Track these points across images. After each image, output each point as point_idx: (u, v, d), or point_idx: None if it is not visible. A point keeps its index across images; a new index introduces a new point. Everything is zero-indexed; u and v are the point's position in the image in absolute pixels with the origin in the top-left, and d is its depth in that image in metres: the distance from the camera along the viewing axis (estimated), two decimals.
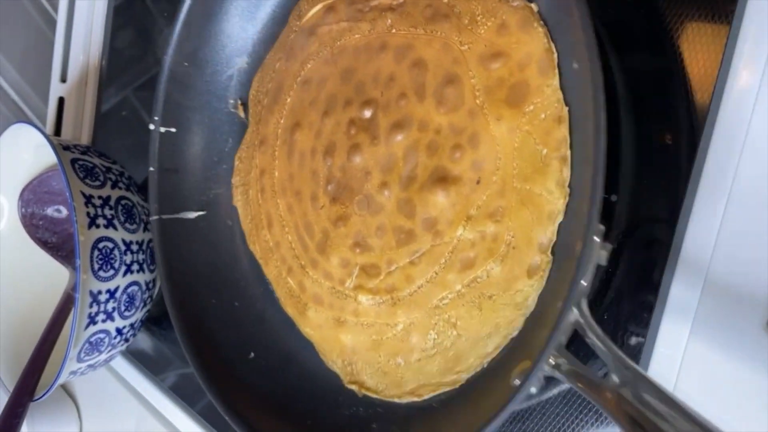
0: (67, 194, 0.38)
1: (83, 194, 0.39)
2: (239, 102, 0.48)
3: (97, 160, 0.43)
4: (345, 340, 0.38)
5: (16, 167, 0.45)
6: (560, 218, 0.29)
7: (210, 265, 0.46)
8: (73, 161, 0.41)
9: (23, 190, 0.46)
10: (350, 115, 0.39)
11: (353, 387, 0.38)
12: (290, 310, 0.43)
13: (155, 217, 0.44)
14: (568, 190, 0.28)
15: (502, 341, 0.31)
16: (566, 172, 0.29)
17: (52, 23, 0.53)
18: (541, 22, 0.31)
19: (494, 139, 0.32)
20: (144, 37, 0.46)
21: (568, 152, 0.29)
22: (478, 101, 0.33)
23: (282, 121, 0.44)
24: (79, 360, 0.40)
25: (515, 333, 0.30)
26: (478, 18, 0.33)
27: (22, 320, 0.47)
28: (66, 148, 0.42)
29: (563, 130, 0.29)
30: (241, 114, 0.48)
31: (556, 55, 0.30)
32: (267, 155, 0.45)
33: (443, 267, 0.33)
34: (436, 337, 0.33)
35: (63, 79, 0.53)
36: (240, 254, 0.47)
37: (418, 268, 0.34)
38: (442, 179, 0.33)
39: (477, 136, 0.32)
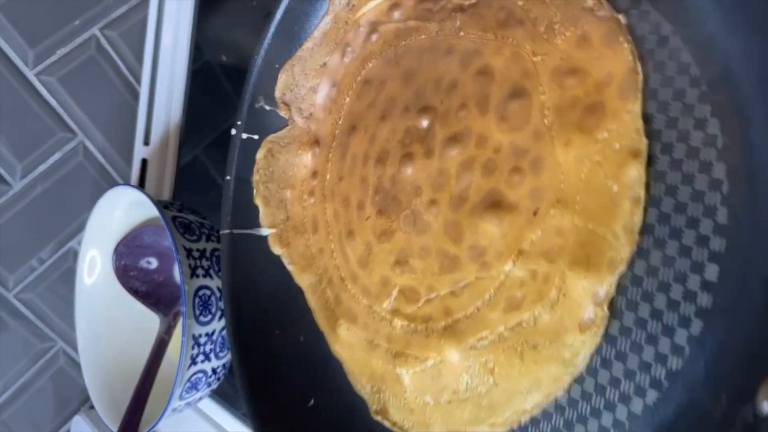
0: (173, 249, 0.42)
1: (185, 248, 0.43)
2: (281, 100, 0.45)
3: (191, 217, 0.47)
4: (375, 364, 0.35)
5: (109, 224, 0.50)
6: (622, 268, 0.24)
7: (278, 291, 0.42)
8: (174, 219, 0.44)
9: (118, 245, 0.50)
10: (407, 123, 0.35)
11: (378, 418, 0.35)
12: (322, 322, 0.40)
13: (226, 231, 0.42)
14: (637, 237, 0.24)
15: (543, 400, 0.27)
16: (637, 217, 0.24)
17: (133, 91, 0.59)
18: (629, 38, 0.27)
19: (559, 166, 0.28)
20: (214, 99, 0.45)
21: (642, 193, 0.24)
22: (546, 121, 0.28)
23: (340, 122, 0.42)
24: (181, 398, 0.43)
25: (559, 393, 0.26)
26: (556, 26, 0.29)
27: (115, 364, 0.51)
28: (166, 207, 0.45)
29: (638, 167, 0.25)
30: (284, 112, 0.45)
31: (641, 76, 0.26)
32: (321, 156, 0.43)
33: (486, 304, 0.29)
34: (469, 380, 0.30)
35: (146, 142, 0.57)
36: None
37: (458, 301, 0.30)
38: (496, 205, 0.29)
39: (540, 161, 0.28)
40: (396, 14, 0.38)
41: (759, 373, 0.21)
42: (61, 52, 0.53)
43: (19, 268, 0.56)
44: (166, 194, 0.57)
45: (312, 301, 0.41)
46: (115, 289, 0.50)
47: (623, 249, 0.25)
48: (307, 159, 0.44)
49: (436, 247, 0.32)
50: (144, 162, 0.58)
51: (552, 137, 0.28)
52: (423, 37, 0.36)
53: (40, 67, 0.53)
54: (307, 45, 0.43)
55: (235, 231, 0.42)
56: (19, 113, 0.52)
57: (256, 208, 0.43)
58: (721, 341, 0.23)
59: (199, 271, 0.43)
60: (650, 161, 0.25)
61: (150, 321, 0.50)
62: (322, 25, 0.42)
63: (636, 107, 0.25)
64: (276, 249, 0.43)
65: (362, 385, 0.37)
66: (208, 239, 0.45)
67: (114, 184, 0.55)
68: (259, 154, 0.43)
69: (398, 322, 0.34)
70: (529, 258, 0.28)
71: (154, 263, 0.51)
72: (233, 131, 0.42)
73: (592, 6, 0.28)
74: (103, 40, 0.56)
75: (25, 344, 0.57)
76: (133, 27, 0.58)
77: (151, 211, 0.46)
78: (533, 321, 0.27)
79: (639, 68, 0.26)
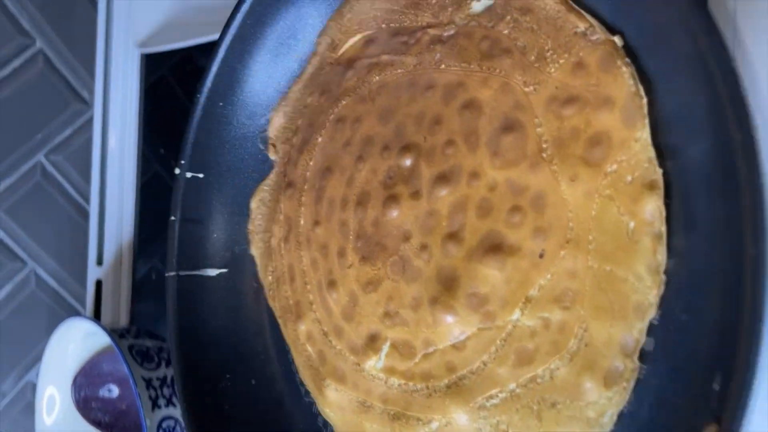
0: (131, 383, 0.40)
1: (144, 379, 0.42)
2: (270, 141, 0.43)
3: (149, 342, 0.46)
4: (371, 429, 0.32)
5: (64, 359, 0.48)
6: (652, 313, 0.22)
7: (228, 333, 0.40)
8: (130, 347, 0.43)
9: (76, 376, 0.48)
10: (388, 163, 0.33)
11: None
12: (308, 382, 0.37)
13: (172, 273, 0.39)
14: (664, 277, 0.22)
15: None
16: (661, 255, 0.22)
17: (82, 211, 0.59)
18: (627, 60, 0.25)
19: (565, 203, 0.25)
20: (166, 207, 0.43)
21: (664, 228, 0.22)
22: (545, 155, 0.26)
23: (311, 163, 0.39)
24: None
25: None
26: (548, 54, 0.27)
27: None
28: (121, 335, 0.44)
29: (656, 199, 0.23)
30: (273, 155, 0.43)
31: (645, 101, 0.24)
32: (293, 201, 0.40)
33: (493, 358, 0.27)
34: None
35: (99, 262, 0.57)
36: (264, 322, 0.41)
37: (461, 355, 0.28)
38: (496, 248, 0.27)
39: (543, 198, 0.26)
40: (370, 49, 0.36)
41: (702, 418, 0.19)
42: (6, 183, 0.53)
43: None
44: (123, 315, 0.55)
45: (296, 358, 0.38)
46: (77, 424, 0.49)
47: (650, 292, 0.23)
48: (282, 204, 0.41)
49: (428, 296, 0.29)
50: (98, 283, 0.56)
51: (554, 172, 0.26)
52: (399, 71, 0.34)
53: None
54: (297, 86, 0.41)
55: (182, 273, 0.39)
56: None
57: (203, 249, 0.40)
58: (664, 385, 0.22)
59: (161, 401, 0.42)
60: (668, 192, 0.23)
61: None
62: (310, 67, 0.40)
63: (645, 134, 0.24)
64: (271, 303, 0.40)
65: None
66: (168, 364, 0.44)
67: (69, 309, 0.57)
68: (253, 204, 0.41)
69: (394, 381, 0.31)
70: (539, 305, 0.25)
71: (115, 391, 0.50)
72: (177, 170, 0.39)
73: (585, 30, 0.26)
74: (48, 166, 0.56)
75: None
76: (79, 148, 0.58)
77: (107, 338, 0.45)
78: (549, 376, 0.25)
79: (642, 91, 0.24)
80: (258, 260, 0.42)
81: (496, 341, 0.27)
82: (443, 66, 0.32)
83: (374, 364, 0.32)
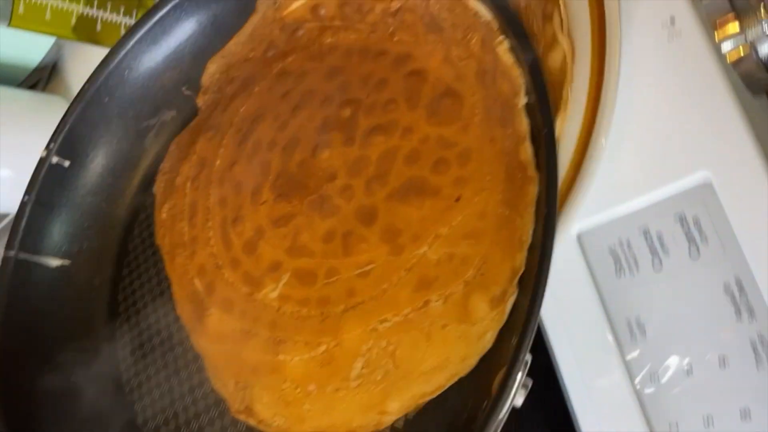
0: None
1: None
2: (202, 89, 0.43)
3: None
4: (247, 356, 0.32)
5: None
6: (527, 243, 0.25)
7: (56, 326, 0.37)
8: None
9: None
10: (326, 113, 0.35)
11: (241, 417, 0.31)
12: (186, 314, 0.36)
13: (11, 253, 0.36)
14: (533, 213, 0.26)
15: (447, 381, 0.26)
16: (532, 195, 0.26)
17: None
18: (500, 38, 0.29)
19: (486, 159, 0.29)
20: None
21: (536, 174, 0.26)
22: (476, 119, 0.30)
23: (242, 109, 0.40)
24: None
25: (464, 373, 0.25)
26: (468, 33, 0.31)
27: None
28: None
29: (527, 146, 0.27)
30: (200, 101, 0.43)
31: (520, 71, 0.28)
32: (213, 142, 0.40)
33: (395, 284, 0.28)
34: (364, 366, 0.28)
35: None
36: (98, 321, 0.39)
37: (365, 282, 0.29)
38: (418, 189, 0.29)
39: (468, 155, 0.29)
40: (322, 12, 0.38)
41: None
42: None
43: None
44: None
45: (177, 291, 0.37)
46: None
47: (527, 227, 0.26)
48: (198, 145, 0.41)
49: (343, 230, 0.31)
50: None
51: (482, 134, 0.29)
52: (353, 36, 0.37)
53: None
54: (236, 40, 0.42)
55: (21, 255, 0.37)
56: None
57: (50, 236, 0.39)
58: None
59: None
60: None
61: None
62: (249, 24, 0.42)
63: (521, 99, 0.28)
64: (159, 241, 0.39)
65: (224, 382, 0.33)
66: None
67: None
68: (173, 145, 0.42)
69: (287, 308, 0.31)
70: (448, 241, 0.28)
71: None
72: (43, 153, 0.38)
73: (476, 9, 0.30)
74: None
75: None
76: None
77: None
78: (443, 300, 0.27)
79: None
80: (158, 198, 0.42)
81: (401, 271, 0.28)
82: (396, 38, 0.35)
83: (269, 292, 0.32)
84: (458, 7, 0.31)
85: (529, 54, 0.26)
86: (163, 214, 0.41)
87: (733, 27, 0.26)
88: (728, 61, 0.26)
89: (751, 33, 0.26)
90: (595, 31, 0.28)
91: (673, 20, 0.28)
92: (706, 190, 0.28)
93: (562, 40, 0.28)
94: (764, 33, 0.25)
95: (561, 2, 0.29)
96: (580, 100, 0.28)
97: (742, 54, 0.26)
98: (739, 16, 0.26)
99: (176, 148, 0.43)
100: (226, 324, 0.33)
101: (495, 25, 0.29)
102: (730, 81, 0.27)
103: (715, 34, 0.26)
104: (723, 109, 0.27)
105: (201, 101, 0.43)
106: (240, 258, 0.35)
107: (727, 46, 0.26)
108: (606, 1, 0.27)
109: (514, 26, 0.28)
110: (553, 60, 0.29)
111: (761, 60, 0.26)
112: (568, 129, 0.28)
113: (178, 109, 0.43)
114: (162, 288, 0.39)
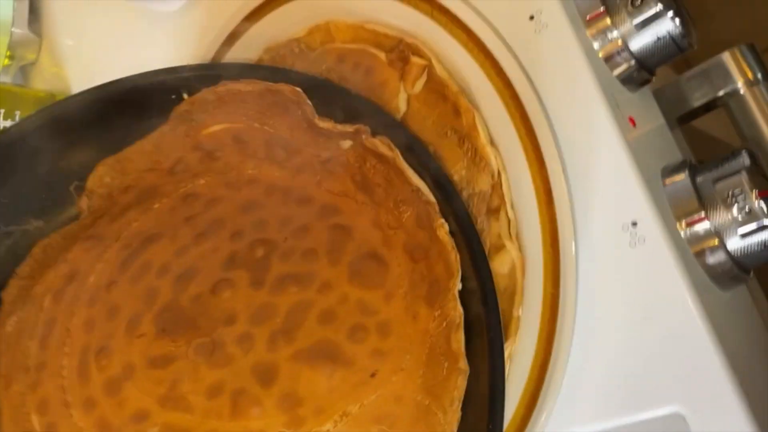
0: None
1: None
2: (87, 191, 0.39)
3: None
4: None
5: None
6: None
7: None
8: None
9: None
10: (235, 247, 0.32)
11: None
12: None
13: None
14: (459, 413, 0.24)
15: None
16: (460, 390, 0.24)
17: None
18: (441, 221, 0.28)
19: (407, 336, 0.27)
20: None
21: (465, 364, 0.24)
22: (401, 291, 0.28)
23: (135, 224, 0.36)
24: None
25: None
26: (400, 204, 0.30)
27: None
28: None
29: (459, 338, 0.25)
30: (83, 204, 0.38)
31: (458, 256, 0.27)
32: (91, 254, 0.35)
33: None
34: None
35: None
36: None
37: None
38: (329, 355, 0.27)
39: (389, 326, 0.27)
40: (244, 140, 0.36)
41: None
42: None
43: None
44: None
45: (7, 426, 0.30)
46: None
47: (450, 427, 0.24)
48: (72, 254, 0.36)
49: (233, 387, 0.27)
50: None
51: (405, 308, 0.28)
52: (277, 174, 0.35)
53: None
54: (138, 147, 0.38)
55: None
56: None
57: None
58: None
59: None
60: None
61: None
62: (158, 133, 0.38)
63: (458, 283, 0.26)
64: None
65: None
66: None
67: None
68: (39, 247, 0.36)
69: None
70: (357, 422, 0.25)
71: None
72: None
73: (418, 186, 0.30)
74: None
75: None
76: None
77: None
78: None
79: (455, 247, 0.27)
80: (4, 305, 0.35)
81: None
82: (323, 188, 0.33)
83: None
84: (396, 179, 0.30)
85: (474, 243, 0.26)
86: (7, 326, 0.34)
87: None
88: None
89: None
90: (547, 238, 0.27)
91: (635, 223, 0.26)
92: (677, 420, 0.26)
93: (511, 248, 0.28)
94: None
95: (507, 201, 0.29)
96: (533, 323, 0.27)
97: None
98: None
99: (41, 251, 0.37)
100: None
101: (435, 207, 0.28)
102: (700, 299, 0.25)
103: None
104: (694, 335, 0.25)
105: (84, 205, 0.39)
106: (97, 398, 0.29)
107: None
108: (557, 204, 0.27)
109: (458, 212, 0.27)
110: (500, 264, 0.28)
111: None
112: (518, 357, 0.26)
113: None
114: None
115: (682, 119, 0.34)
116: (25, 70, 0.48)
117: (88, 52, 0.46)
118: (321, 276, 0.29)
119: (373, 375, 0.26)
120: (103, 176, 0.39)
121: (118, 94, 0.36)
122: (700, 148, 0.36)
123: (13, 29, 0.44)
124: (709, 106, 0.33)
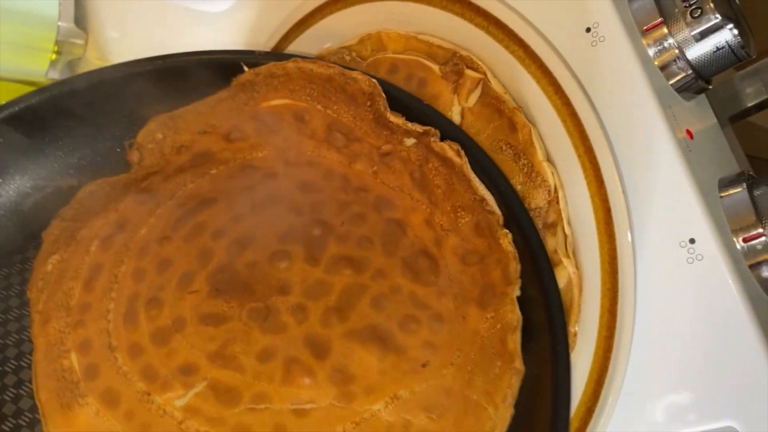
0: None
1: None
2: (136, 145, 0.39)
3: None
4: None
5: None
6: None
7: None
8: None
9: None
10: (293, 222, 0.33)
11: None
12: (44, 395, 0.30)
13: None
14: (512, 410, 0.25)
15: None
16: (513, 389, 0.25)
17: None
18: (505, 231, 0.30)
19: (459, 333, 0.28)
20: None
21: (520, 365, 0.26)
22: (451, 291, 0.30)
23: (191, 186, 0.36)
24: None
25: None
26: (458, 209, 0.31)
27: None
28: None
29: (515, 340, 0.27)
30: (134, 157, 0.39)
31: (519, 266, 0.29)
32: (143, 207, 0.36)
33: None
34: None
35: None
36: None
37: (299, 422, 0.26)
38: (381, 339, 0.28)
39: (441, 321, 0.29)
40: (305, 119, 0.36)
41: None
42: None
43: None
44: None
45: (38, 366, 0.30)
46: None
47: (501, 422, 0.25)
48: (124, 203, 0.36)
49: (286, 354, 0.28)
50: None
51: (456, 306, 0.29)
52: (335, 157, 0.36)
53: None
54: (194, 108, 0.39)
55: None
56: None
57: None
58: None
59: None
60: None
61: None
62: (216, 98, 0.39)
63: (514, 292, 0.28)
64: (29, 293, 0.32)
65: None
66: None
67: None
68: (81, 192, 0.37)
69: (192, 425, 0.27)
70: (407, 407, 0.26)
71: None
72: None
73: (482, 199, 0.30)
74: None
75: None
76: None
77: None
78: None
79: (517, 257, 0.28)
80: (44, 244, 0.36)
81: (347, 423, 0.26)
82: (379, 179, 0.34)
83: (175, 398, 0.28)
84: (458, 184, 0.31)
85: (540, 254, 0.27)
86: (48, 265, 0.35)
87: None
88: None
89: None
90: (605, 255, 0.28)
91: (693, 240, 0.26)
92: None
93: (568, 264, 0.28)
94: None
95: (564, 218, 0.30)
96: (589, 339, 0.27)
97: None
98: None
99: (89, 196, 0.38)
100: (103, 422, 0.28)
101: (500, 218, 0.29)
102: (757, 316, 0.25)
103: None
104: (751, 351, 0.25)
105: (135, 158, 0.39)
106: (144, 345, 0.30)
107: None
108: (615, 222, 0.27)
109: (524, 226, 0.28)
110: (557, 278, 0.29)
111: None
112: (574, 372, 0.27)
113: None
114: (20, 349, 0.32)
115: (733, 118, 0.35)
116: (72, 65, 0.47)
117: (133, 46, 0.46)
118: (375, 264, 0.31)
119: (424, 365, 0.27)
120: (155, 131, 0.39)
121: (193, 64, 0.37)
122: (750, 143, 0.36)
123: (59, 24, 0.44)
124: (762, 105, 0.34)
